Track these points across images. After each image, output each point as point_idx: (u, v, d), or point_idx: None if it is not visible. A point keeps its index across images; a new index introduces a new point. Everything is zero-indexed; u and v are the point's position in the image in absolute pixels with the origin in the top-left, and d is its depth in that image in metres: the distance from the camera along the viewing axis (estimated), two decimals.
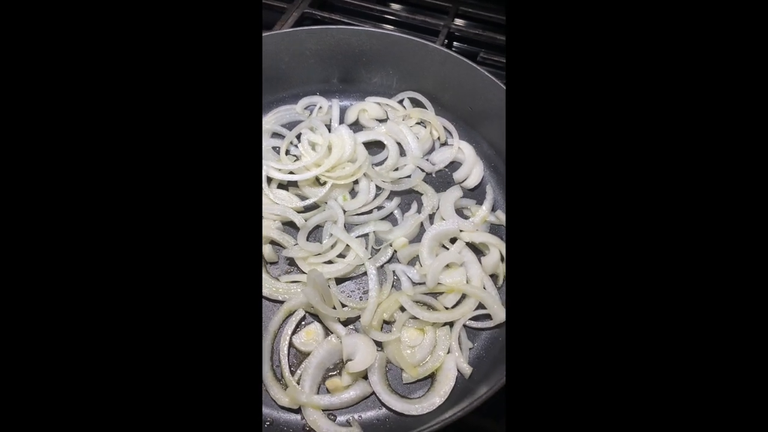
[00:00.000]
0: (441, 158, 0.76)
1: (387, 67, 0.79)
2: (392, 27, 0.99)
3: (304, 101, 0.81)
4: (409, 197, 0.73)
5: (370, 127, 0.80)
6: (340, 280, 0.64)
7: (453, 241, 0.67)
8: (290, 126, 0.79)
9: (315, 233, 0.69)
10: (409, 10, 1.00)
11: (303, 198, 0.70)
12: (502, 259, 0.64)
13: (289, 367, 0.57)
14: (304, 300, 0.60)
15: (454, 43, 0.98)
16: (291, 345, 0.59)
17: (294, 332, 0.60)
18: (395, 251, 0.67)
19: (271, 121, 0.79)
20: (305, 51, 0.77)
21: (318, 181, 0.73)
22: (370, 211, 0.71)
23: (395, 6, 1.03)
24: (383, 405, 0.55)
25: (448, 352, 0.58)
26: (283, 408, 0.55)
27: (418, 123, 0.80)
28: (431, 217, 0.70)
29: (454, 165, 0.76)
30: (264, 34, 0.74)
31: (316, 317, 0.62)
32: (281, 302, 0.62)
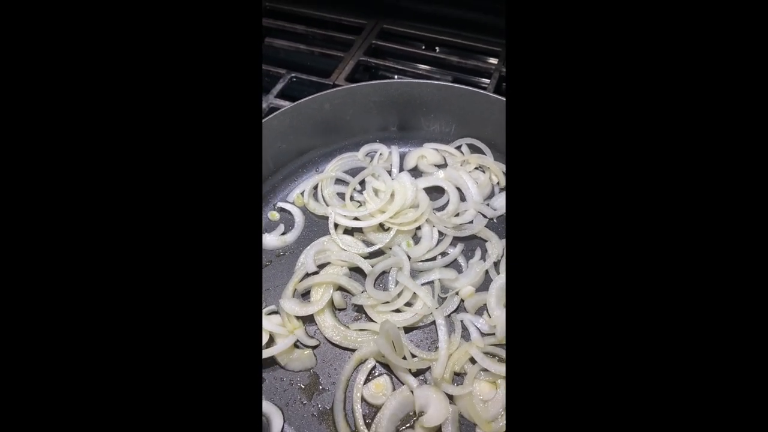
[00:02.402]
0: (501, 203, 0.77)
1: (446, 115, 0.82)
2: (443, 70, 1.02)
3: (365, 148, 0.84)
4: (472, 243, 0.73)
5: (429, 172, 0.81)
6: (408, 329, 0.65)
7: None
8: (352, 172, 0.81)
9: (380, 279, 0.70)
10: (460, 55, 1.03)
11: (369, 244, 0.72)
12: None
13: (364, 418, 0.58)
14: (375, 349, 0.61)
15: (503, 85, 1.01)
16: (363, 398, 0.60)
17: (365, 383, 0.61)
18: (462, 300, 0.67)
19: (334, 168, 0.82)
20: (369, 103, 0.80)
21: (382, 227, 0.75)
22: (434, 258, 0.72)
23: (445, 49, 1.06)
24: None
25: None
26: None
27: (476, 168, 0.82)
28: (496, 264, 0.70)
29: None
30: (332, 90, 0.79)
31: (386, 366, 0.62)
32: (352, 350, 0.63)
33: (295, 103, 0.76)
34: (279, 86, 0.95)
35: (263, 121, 0.74)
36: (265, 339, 0.64)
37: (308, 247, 0.72)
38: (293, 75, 0.98)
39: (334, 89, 0.78)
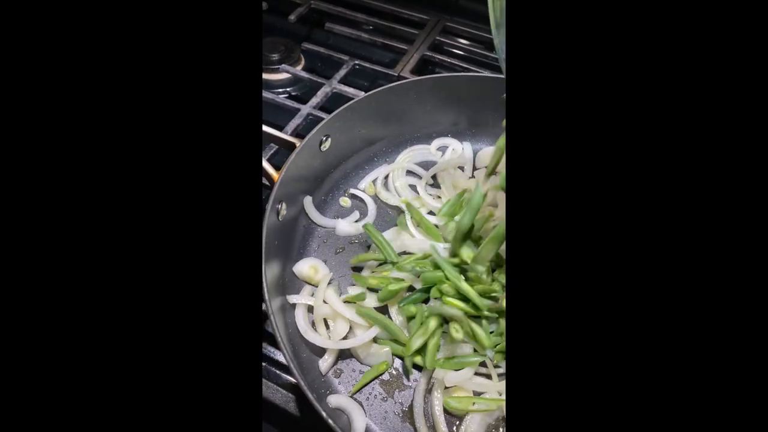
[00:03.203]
0: None
1: None
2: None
3: (437, 142, 0.82)
4: None
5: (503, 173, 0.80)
6: None
7: None
8: (424, 165, 0.79)
9: None
10: None
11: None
12: None
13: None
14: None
15: None
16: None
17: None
18: None
19: (406, 159, 0.79)
20: (452, 95, 0.78)
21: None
22: None
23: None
24: None
25: None
26: None
27: None
28: None
29: None
30: (419, 78, 0.78)
31: None
32: None
33: (381, 88, 0.74)
34: (342, 72, 0.93)
35: (348, 105, 0.71)
36: (345, 330, 0.61)
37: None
38: (356, 62, 0.95)
39: (421, 78, 0.76)
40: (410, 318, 0.61)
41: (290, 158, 0.65)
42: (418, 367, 0.60)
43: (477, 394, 0.57)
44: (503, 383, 0.57)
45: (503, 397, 0.56)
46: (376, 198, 0.75)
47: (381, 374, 0.59)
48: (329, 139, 0.72)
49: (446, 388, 0.58)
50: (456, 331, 0.57)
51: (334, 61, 0.97)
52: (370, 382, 0.59)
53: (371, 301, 0.62)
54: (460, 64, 0.98)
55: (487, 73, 0.98)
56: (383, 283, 0.62)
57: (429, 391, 0.58)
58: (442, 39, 1.03)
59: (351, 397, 0.58)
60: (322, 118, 0.72)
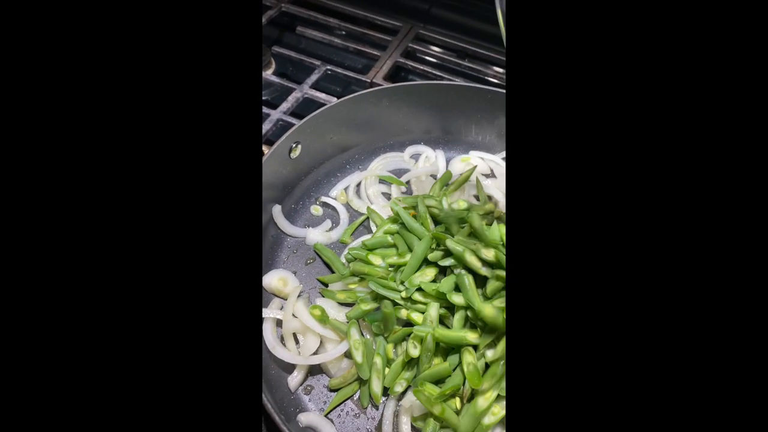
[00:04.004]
0: None
1: (497, 123, 0.80)
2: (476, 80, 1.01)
3: (410, 150, 0.81)
4: None
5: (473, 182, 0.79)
6: None
7: None
8: (396, 173, 0.78)
9: None
10: (489, 66, 1.02)
11: None
12: None
13: None
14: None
15: None
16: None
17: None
18: None
19: (379, 166, 0.78)
20: (424, 102, 0.77)
21: None
22: None
23: (475, 60, 1.06)
24: None
25: None
26: None
27: None
28: None
29: None
30: (392, 86, 0.76)
31: None
32: None
33: (354, 95, 0.72)
34: (314, 77, 0.91)
35: (321, 111, 0.69)
36: (315, 344, 0.59)
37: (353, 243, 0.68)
38: (329, 68, 0.93)
39: (394, 85, 0.75)
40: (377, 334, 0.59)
41: None
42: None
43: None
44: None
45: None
46: (348, 206, 0.73)
47: (355, 392, 0.57)
48: (299, 146, 0.69)
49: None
50: (414, 347, 0.55)
51: (306, 66, 0.95)
52: (346, 400, 0.57)
53: (342, 316, 0.60)
54: (433, 71, 0.97)
55: (460, 82, 0.98)
56: (351, 298, 0.60)
57: (396, 415, 0.56)
58: (414, 46, 1.02)
59: (319, 412, 0.55)
60: (293, 124, 0.70)
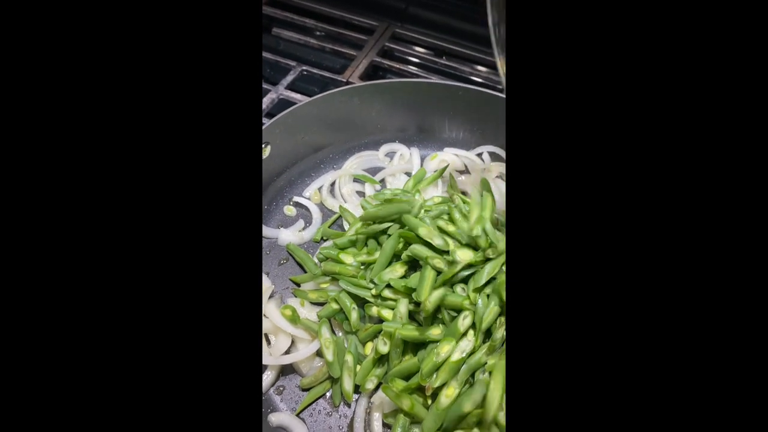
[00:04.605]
0: None
1: (471, 120, 0.80)
2: (454, 78, 1.02)
3: (385, 148, 0.81)
4: None
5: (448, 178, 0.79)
6: None
7: None
8: (371, 171, 0.78)
9: None
10: (468, 65, 1.03)
11: None
12: None
13: None
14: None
15: None
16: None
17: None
18: None
19: (353, 165, 0.78)
20: (396, 100, 0.77)
21: None
22: None
23: (452, 59, 1.06)
24: None
25: None
26: None
27: (497, 177, 0.81)
28: None
29: None
30: (362, 84, 0.75)
31: None
32: None
33: (324, 94, 0.72)
34: (289, 78, 0.91)
35: (289, 111, 0.69)
36: (287, 344, 0.59)
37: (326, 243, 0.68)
38: (304, 68, 0.93)
39: (364, 83, 0.75)
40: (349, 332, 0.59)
41: None
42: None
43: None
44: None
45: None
46: (321, 206, 0.73)
47: (327, 391, 0.57)
48: (268, 147, 0.69)
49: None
50: (383, 344, 0.55)
51: (281, 67, 0.95)
52: (318, 399, 0.57)
53: (314, 315, 0.60)
54: (410, 70, 0.97)
55: (435, 79, 0.98)
56: (323, 297, 0.60)
57: (368, 412, 0.56)
58: (391, 45, 1.02)
59: (291, 412, 0.55)
60: None
